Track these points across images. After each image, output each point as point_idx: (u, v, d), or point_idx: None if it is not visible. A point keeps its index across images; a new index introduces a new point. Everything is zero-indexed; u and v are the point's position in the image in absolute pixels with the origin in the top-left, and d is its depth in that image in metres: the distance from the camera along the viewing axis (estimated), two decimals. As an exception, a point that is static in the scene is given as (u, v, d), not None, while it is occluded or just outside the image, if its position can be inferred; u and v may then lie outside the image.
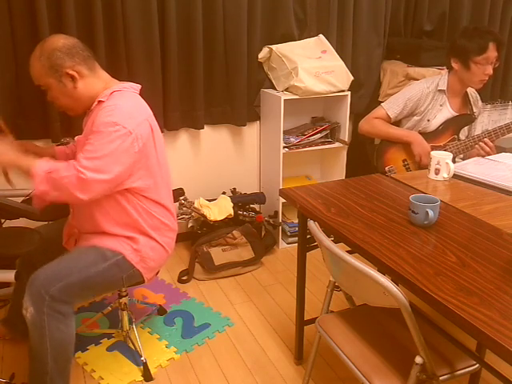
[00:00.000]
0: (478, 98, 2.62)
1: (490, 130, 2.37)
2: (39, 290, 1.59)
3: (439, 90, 2.46)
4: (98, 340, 2.19)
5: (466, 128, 2.56)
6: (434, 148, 2.40)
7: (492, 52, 2.31)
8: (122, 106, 1.65)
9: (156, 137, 1.75)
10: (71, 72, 1.67)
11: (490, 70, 2.35)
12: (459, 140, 2.48)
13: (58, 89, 1.69)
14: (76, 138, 1.79)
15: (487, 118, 3.50)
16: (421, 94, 2.46)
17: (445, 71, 2.53)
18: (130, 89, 1.76)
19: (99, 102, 1.70)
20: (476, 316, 1.12)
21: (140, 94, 1.81)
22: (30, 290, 1.61)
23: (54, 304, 1.60)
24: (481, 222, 1.62)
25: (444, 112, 2.48)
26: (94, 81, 1.73)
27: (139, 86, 1.82)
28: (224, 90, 2.94)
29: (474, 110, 2.57)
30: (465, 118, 2.52)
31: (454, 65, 2.40)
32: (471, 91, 2.56)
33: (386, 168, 2.52)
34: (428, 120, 2.48)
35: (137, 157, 1.66)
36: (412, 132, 2.49)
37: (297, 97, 2.85)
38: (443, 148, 2.44)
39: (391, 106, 2.50)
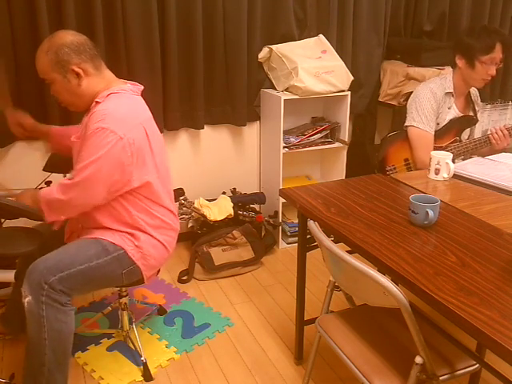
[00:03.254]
0: (478, 95, 2.62)
1: (488, 134, 2.38)
2: (38, 279, 1.59)
3: (446, 93, 2.45)
4: (98, 340, 2.19)
5: (468, 129, 2.55)
6: (435, 148, 2.40)
7: (498, 53, 2.31)
8: (113, 111, 1.64)
9: (152, 140, 1.74)
10: (77, 69, 1.67)
11: (493, 70, 2.34)
12: (461, 141, 2.48)
13: (62, 84, 1.70)
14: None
15: (487, 118, 3.49)
16: (438, 103, 2.43)
17: (449, 72, 2.50)
18: (129, 91, 1.76)
19: (96, 102, 1.70)
20: (476, 316, 1.12)
21: (141, 95, 1.81)
22: (29, 279, 1.60)
23: (52, 293, 1.59)
24: (481, 222, 1.62)
25: (451, 113, 2.47)
26: (98, 80, 1.73)
27: (141, 88, 1.82)
28: (224, 90, 2.94)
29: (477, 109, 2.57)
30: (468, 120, 2.51)
31: (459, 61, 2.38)
32: (472, 89, 2.55)
33: (387, 167, 2.51)
34: (438, 124, 2.47)
35: (130, 161, 1.66)
36: None
37: (297, 97, 2.85)
38: (444, 149, 2.43)
39: (426, 122, 2.42)
